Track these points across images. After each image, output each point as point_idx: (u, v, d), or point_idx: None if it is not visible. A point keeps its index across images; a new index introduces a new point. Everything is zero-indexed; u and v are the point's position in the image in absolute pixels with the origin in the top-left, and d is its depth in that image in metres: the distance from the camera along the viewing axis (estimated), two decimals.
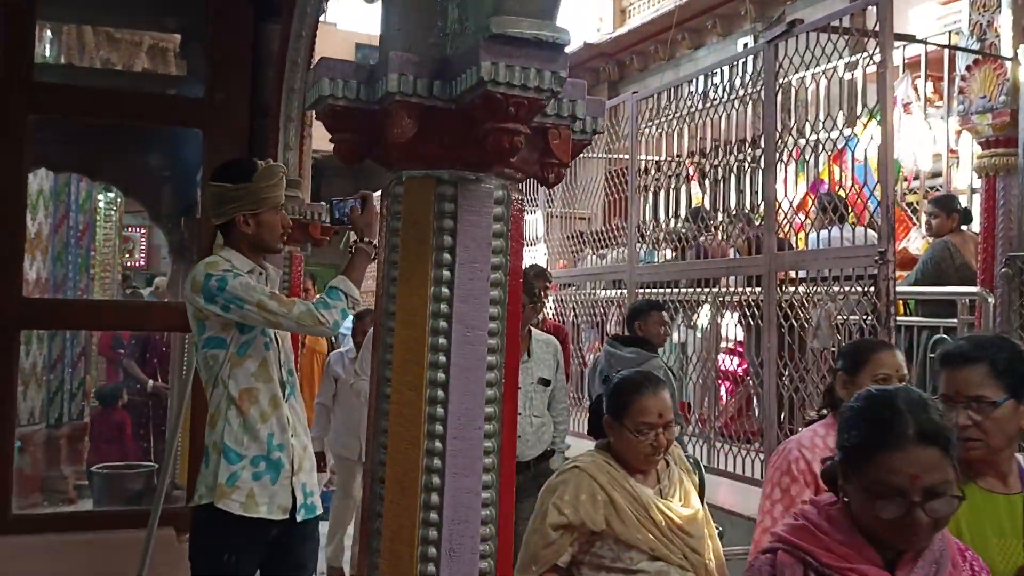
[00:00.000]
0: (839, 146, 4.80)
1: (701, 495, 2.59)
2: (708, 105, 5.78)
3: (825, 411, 2.57)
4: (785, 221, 5.10)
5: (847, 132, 4.78)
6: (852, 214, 5.00)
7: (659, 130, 6.35)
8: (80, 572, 3.53)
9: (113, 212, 9.95)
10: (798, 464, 2.36)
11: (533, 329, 4.35)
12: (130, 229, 14.07)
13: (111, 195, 9.67)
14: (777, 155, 5.04)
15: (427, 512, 1.67)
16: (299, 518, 2.73)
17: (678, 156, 6.39)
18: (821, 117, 4.81)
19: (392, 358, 1.72)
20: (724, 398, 5.98)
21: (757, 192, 5.62)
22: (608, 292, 7.17)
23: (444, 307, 1.69)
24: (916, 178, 7.57)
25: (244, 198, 2.71)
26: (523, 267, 4.47)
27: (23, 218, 3.65)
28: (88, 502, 6.88)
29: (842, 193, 5.18)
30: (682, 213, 6.42)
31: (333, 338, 6.65)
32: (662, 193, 6.58)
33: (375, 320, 1.84)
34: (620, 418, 2.41)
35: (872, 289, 4.31)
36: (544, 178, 1.81)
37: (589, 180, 7.65)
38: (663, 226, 6.57)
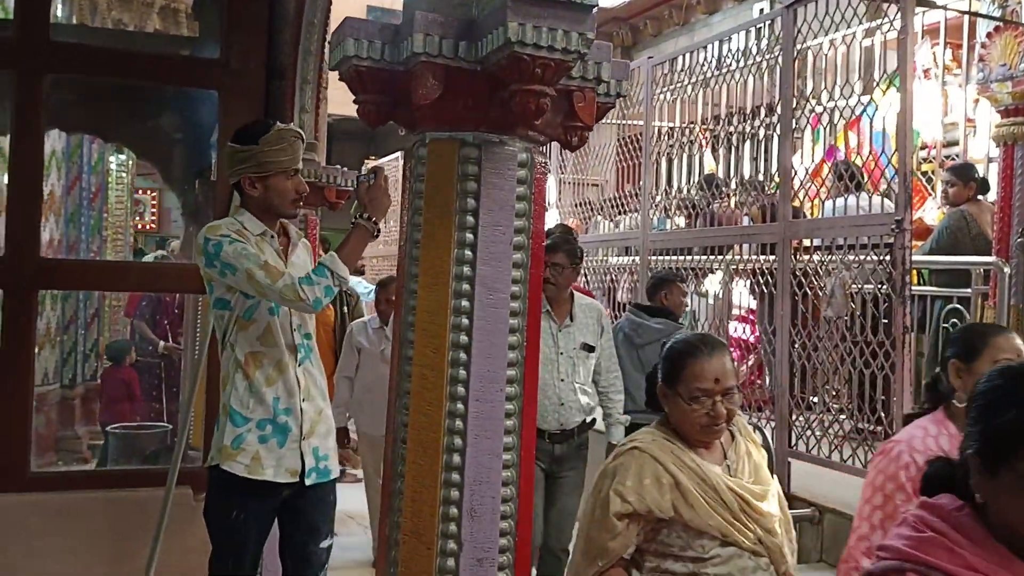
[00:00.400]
0: (857, 113, 4.76)
1: (771, 470, 2.33)
2: (724, 71, 5.73)
3: (927, 405, 2.34)
4: (800, 189, 5.07)
5: (864, 99, 4.73)
6: (868, 182, 4.97)
7: (674, 96, 6.31)
8: (99, 529, 3.58)
9: (125, 174, 9.96)
10: (908, 470, 2.12)
11: (576, 292, 4.15)
12: (141, 192, 14.07)
13: (122, 157, 9.68)
14: (794, 122, 5.00)
15: (449, 473, 1.69)
16: (308, 482, 2.74)
17: (692, 123, 6.34)
18: (839, 84, 4.76)
19: (415, 320, 1.73)
20: None
21: (771, 160, 5.59)
22: (619, 259, 7.16)
23: (467, 269, 1.70)
24: (934, 147, 7.50)
25: (248, 160, 2.70)
26: (557, 228, 4.41)
27: (40, 178, 3.65)
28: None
29: (858, 161, 5.14)
30: (695, 180, 6.39)
31: (346, 308, 6.58)
32: (675, 160, 6.55)
33: (398, 282, 1.85)
34: (674, 385, 2.16)
35: (888, 258, 4.29)
36: (567, 141, 1.80)
37: (601, 146, 7.60)
38: (675, 193, 6.55)
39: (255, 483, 2.69)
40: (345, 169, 4.20)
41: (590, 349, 4.01)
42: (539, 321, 1.86)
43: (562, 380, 3.87)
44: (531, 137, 1.73)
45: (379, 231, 2.67)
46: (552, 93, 1.58)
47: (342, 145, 13.20)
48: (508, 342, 1.72)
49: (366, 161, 11.58)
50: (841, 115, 4.76)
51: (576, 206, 8.10)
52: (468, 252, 1.69)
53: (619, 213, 7.23)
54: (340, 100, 5.51)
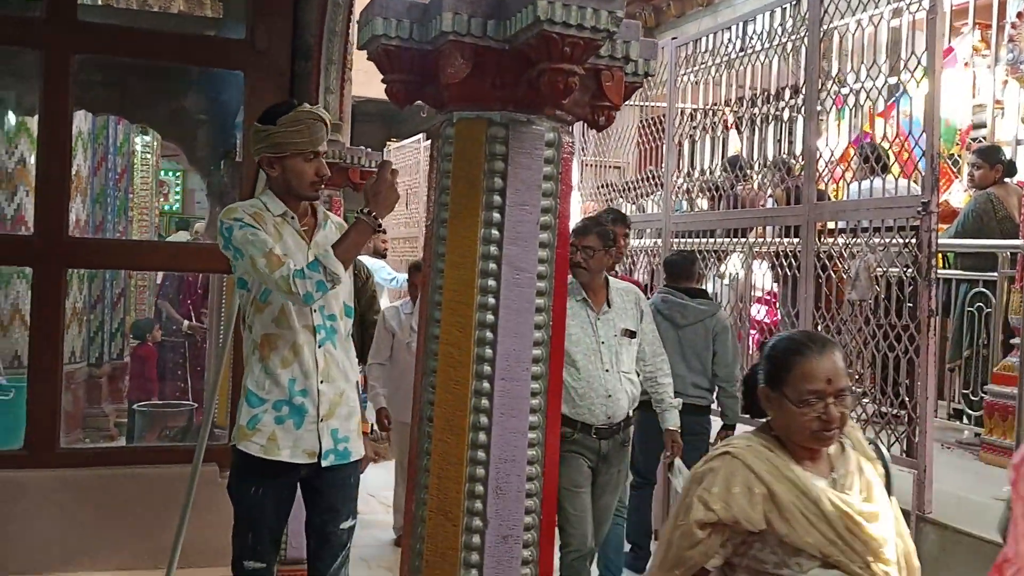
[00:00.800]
0: (885, 97, 4.71)
1: (888, 489, 2.12)
2: (748, 52, 5.68)
3: None
4: (826, 171, 5.03)
5: (892, 81, 4.67)
6: (895, 164, 4.92)
7: (698, 77, 6.26)
8: (127, 504, 3.64)
9: (150, 155, 10.02)
10: None
11: (611, 277, 3.92)
12: (166, 173, 14.16)
13: (147, 138, 9.73)
14: (819, 104, 4.96)
15: (475, 451, 1.70)
16: (325, 463, 2.74)
17: (715, 104, 6.30)
18: (866, 65, 4.71)
19: (441, 299, 1.74)
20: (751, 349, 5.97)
21: (795, 142, 5.53)
22: (641, 241, 7.14)
23: (494, 249, 1.71)
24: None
25: (267, 140, 2.70)
26: (600, 211, 4.32)
27: (68, 157, 3.68)
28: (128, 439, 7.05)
29: (884, 144, 5.09)
30: (718, 162, 6.35)
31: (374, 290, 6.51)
32: (697, 142, 6.51)
33: (424, 262, 1.86)
34: (779, 386, 1.95)
35: (913, 241, 4.25)
36: (595, 121, 1.80)
37: (623, 128, 7.56)
38: (698, 175, 6.51)
39: (271, 463, 2.71)
40: (369, 150, 4.21)
41: (631, 335, 3.80)
42: (565, 301, 1.86)
43: (607, 370, 3.67)
44: (559, 117, 1.73)
45: (380, 226, 2.63)
46: (580, 72, 1.58)
47: (364, 127, 13.20)
48: (534, 321, 1.73)
49: (388, 143, 11.58)
50: (868, 97, 4.71)
51: (598, 188, 8.07)
52: (495, 232, 1.70)
53: (641, 196, 7.20)
54: (362, 82, 5.54)
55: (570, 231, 3.64)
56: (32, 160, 6.83)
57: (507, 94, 1.68)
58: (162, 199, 13.72)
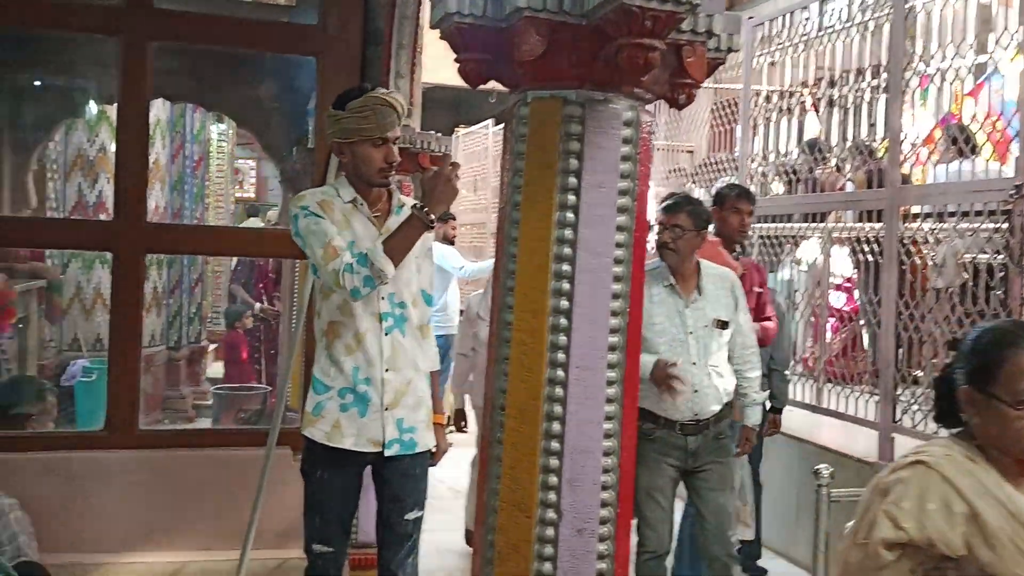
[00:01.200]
0: (973, 76, 4.50)
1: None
2: (828, 31, 5.49)
3: None
4: (911, 153, 4.83)
5: (981, 59, 4.46)
6: (986, 146, 4.70)
7: (774, 58, 6.08)
8: (203, 485, 3.69)
9: (225, 143, 10.20)
10: None
11: (703, 261, 3.58)
12: (240, 161, 14.42)
13: (223, 126, 9.91)
14: (904, 84, 4.76)
15: (548, 441, 1.65)
16: (388, 453, 2.72)
17: (793, 86, 6.11)
18: (954, 43, 4.50)
19: (515, 285, 1.70)
20: (828, 336, 5.80)
21: (875, 124, 5.34)
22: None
23: (569, 233, 1.65)
24: None
25: (336, 125, 2.69)
26: (722, 185, 4.12)
27: (146, 145, 3.74)
28: (206, 420, 7.22)
29: (974, 127, 4.87)
30: (793, 145, 6.17)
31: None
32: (772, 125, 6.33)
33: (496, 246, 1.81)
34: (988, 386, 1.66)
35: (1005, 225, 4.06)
36: (675, 99, 1.73)
37: (694, 111, 7.41)
38: (774, 159, 6.34)
39: (335, 450, 2.71)
40: (439, 135, 4.18)
41: (724, 325, 3.49)
42: (643, 287, 1.80)
43: (694, 363, 3.40)
44: (637, 95, 1.67)
45: (433, 223, 2.58)
46: (661, 47, 1.51)
47: (433, 114, 13.19)
48: (611, 308, 1.67)
49: (456, 130, 11.57)
50: (957, 76, 4.50)
51: (669, 173, 7.93)
52: (570, 215, 1.64)
53: (713, 180, 7.05)
54: (431, 68, 5.52)
55: (659, 208, 3.50)
56: (112, 148, 7.01)
57: (584, 72, 1.62)
58: (237, 186, 13.98)
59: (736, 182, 5.04)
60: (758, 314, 4.15)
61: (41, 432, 4.61)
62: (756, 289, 4.22)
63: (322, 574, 2.79)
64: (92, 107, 6.94)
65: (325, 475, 2.76)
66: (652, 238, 3.61)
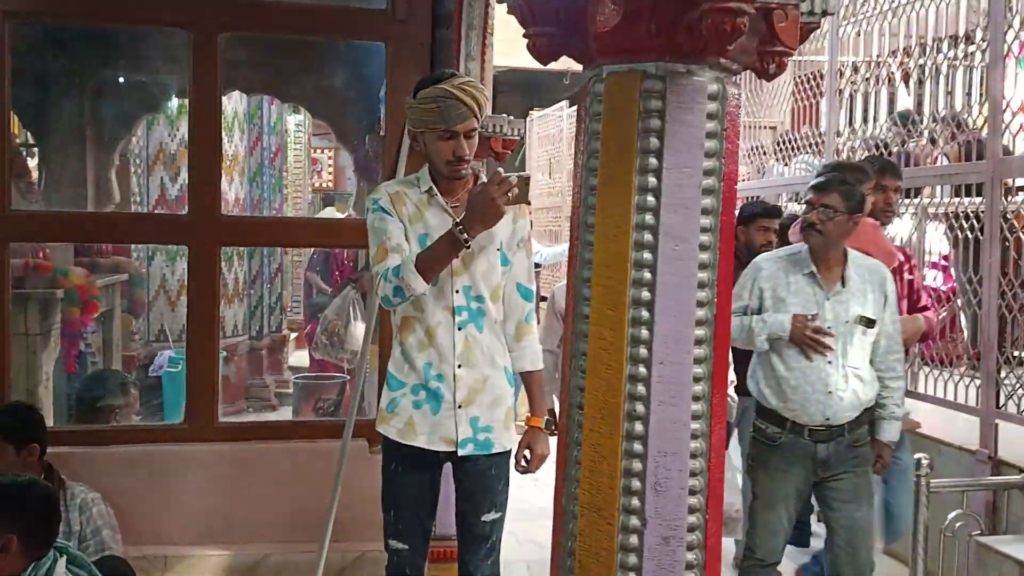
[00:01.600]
0: None
1: None
2: None
3: None
4: (1013, 123, 4.53)
5: None
6: None
7: (860, 28, 5.79)
8: (281, 478, 3.69)
9: (302, 134, 10.29)
10: None
11: (852, 250, 3.21)
12: (317, 151, 14.57)
13: (299, 117, 9.99)
14: (1005, 48, 4.46)
15: (630, 442, 1.53)
16: (462, 452, 2.63)
17: (881, 56, 5.82)
18: None
19: (591, 275, 1.57)
20: None
21: (971, 94, 5.03)
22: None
23: (649, 218, 1.52)
24: None
25: (409, 114, 2.62)
26: (863, 159, 3.78)
27: (219, 138, 3.73)
28: (288, 408, 7.30)
29: None
30: (882, 118, 5.88)
31: None
32: (859, 97, 6.04)
33: (571, 234, 1.69)
34: None
35: None
36: (764, 69, 1.58)
37: (776, 85, 7.14)
38: (862, 132, 6.05)
39: (408, 448, 2.65)
40: (511, 118, 4.07)
41: (869, 324, 3.15)
42: (731, 275, 1.66)
43: (829, 363, 3.09)
44: (723, 65, 1.52)
45: (469, 245, 2.46)
46: (750, 11, 1.36)
47: (505, 98, 13.10)
48: (696, 298, 1.53)
49: (530, 112, 11.45)
50: None
51: (750, 151, 7.67)
52: (651, 198, 1.51)
53: (793, 155, 6.79)
54: (503, 51, 5.41)
55: (809, 186, 3.22)
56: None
57: (663, 42, 1.48)
58: (314, 176, 14.13)
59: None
60: (913, 304, 3.83)
61: (124, 426, 4.70)
62: (907, 276, 3.85)
63: (398, 571, 2.73)
64: (173, 101, 7.05)
65: (399, 472, 2.70)
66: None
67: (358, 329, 6.01)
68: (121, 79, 6.50)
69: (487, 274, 2.64)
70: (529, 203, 2.57)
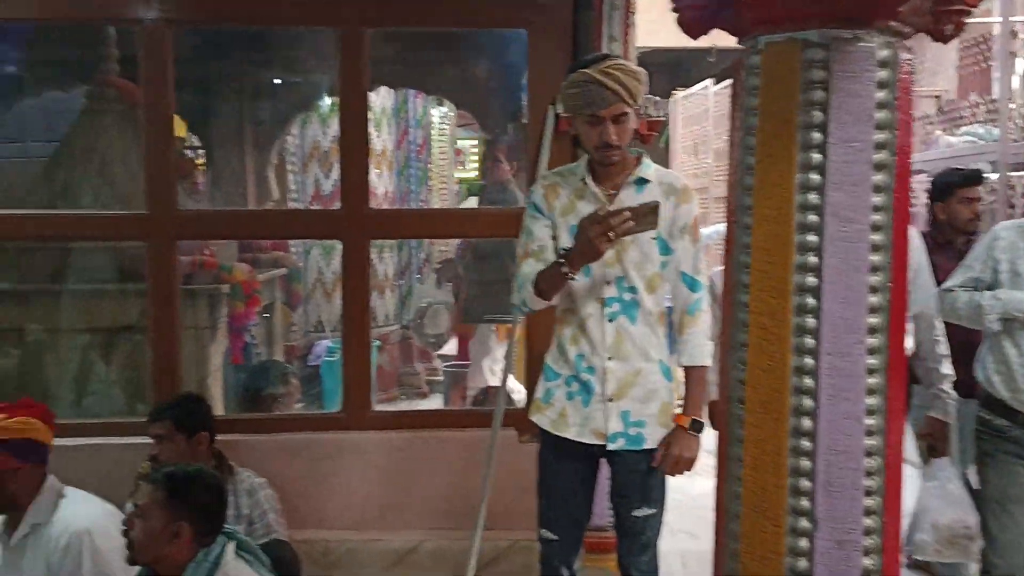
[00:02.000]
0: None
1: None
2: None
3: None
4: None
5: None
6: None
7: None
8: (433, 466, 3.73)
9: (447, 125, 10.44)
10: None
11: None
12: (462, 142, 14.77)
13: (443, 109, 10.14)
14: None
15: (797, 439, 1.43)
16: (612, 447, 2.58)
17: None
18: None
19: (750, 260, 1.48)
20: None
21: None
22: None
23: (814, 197, 1.41)
24: None
25: (559, 98, 2.60)
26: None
27: (366, 134, 3.79)
28: (438, 397, 7.44)
29: None
30: None
31: None
32: None
33: (727, 217, 1.60)
34: None
35: None
36: (939, 31, 1.44)
37: (941, 51, 6.69)
38: None
39: (559, 439, 2.63)
40: (657, 99, 3.96)
41: None
42: (906, 257, 1.52)
43: (1017, 350, 2.86)
44: (893, 29, 1.39)
45: (574, 277, 2.45)
46: None
47: (650, 78, 12.87)
48: (868, 283, 1.42)
49: (674, 93, 11.19)
50: None
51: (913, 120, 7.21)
52: (815, 176, 1.41)
53: (959, 125, 6.33)
54: (647, 31, 5.27)
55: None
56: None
57: (825, 7, 1.37)
58: (459, 167, 14.33)
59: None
60: None
61: (285, 414, 4.88)
62: None
63: (547, 561, 2.71)
64: (324, 100, 7.29)
65: (552, 462, 2.68)
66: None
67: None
68: (276, 80, 6.77)
69: (640, 264, 2.56)
70: (654, 227, 2.49)
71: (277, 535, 3.20)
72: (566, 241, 2.54)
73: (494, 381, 5.36)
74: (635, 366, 2.58)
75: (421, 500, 3.71)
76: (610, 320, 2.57)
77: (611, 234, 2.31)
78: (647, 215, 2.34)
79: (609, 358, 2.57)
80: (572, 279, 2.46)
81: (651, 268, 2.57)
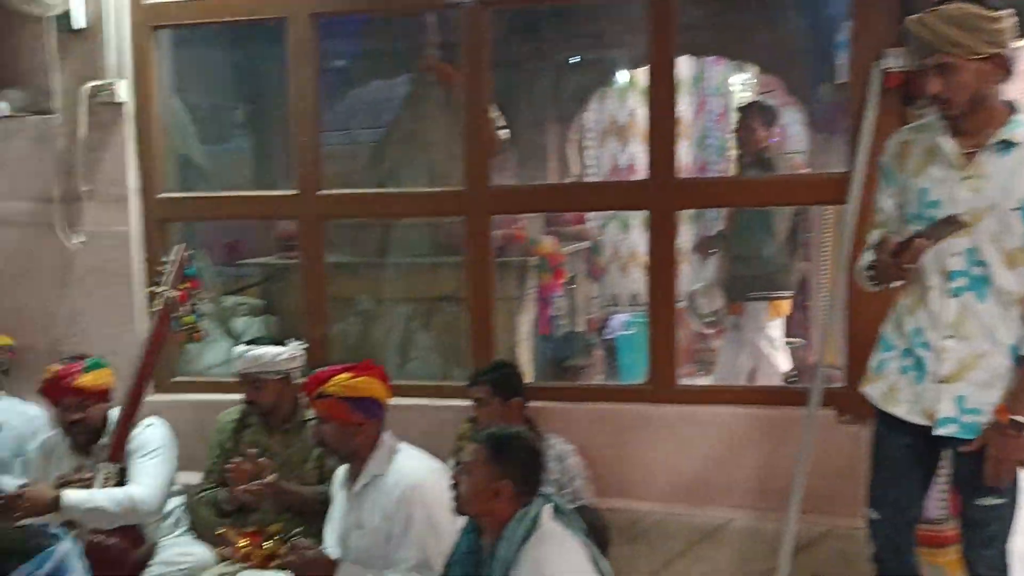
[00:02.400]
0: None
1: None
2: None
3: None
4: None
5: None
6: None
7: None
8: (743, 443, 3.61)
9: (748, 93, 10.10)
10: None
11: None
12: None
13: (744, 75, 9.81)
14: None
15: None
16: (940, 432, 2.37)
17: None
18: None
19: None
20: None
21: None
22: None
23: None
24: None
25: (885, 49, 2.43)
26: None
27: (674, 102, 3.71)
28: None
29: None
30: None
31: None
32: None
33: None
34: None
35: None
36: None
37: None
38: None
39: (887, 414, 2.48)
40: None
41: None
42: None
43: None
44: None
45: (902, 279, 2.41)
46: None
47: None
48: None
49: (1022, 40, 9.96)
50: None
51: None
52: None
53: None
54: None
55: None
56: (640, 112, 7.31)
57: None
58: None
59: None
60: None
61: (592, 385, 4.96)
62: None
63: (873, 544, 2.56)
64: (623, 74, 7.31)
65: (881, 435, 2.54)
66: None
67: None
68: (577, 57, 6.88)
69: (998, 236, 2.29)
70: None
71: (585, 501, 3.27)
72: (915, 208, 2.33)
73: (773, 360, 5.13)
74: (978, 348, 2.33)
75: (729, 477, 3.62)
76: (954, 295, 2.34)
77: (907, 267, 2.29)
78: (945, 231, 2.24)
79: (948, 336, 2.34)
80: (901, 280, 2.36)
81: (1012, 242, 2.29)
